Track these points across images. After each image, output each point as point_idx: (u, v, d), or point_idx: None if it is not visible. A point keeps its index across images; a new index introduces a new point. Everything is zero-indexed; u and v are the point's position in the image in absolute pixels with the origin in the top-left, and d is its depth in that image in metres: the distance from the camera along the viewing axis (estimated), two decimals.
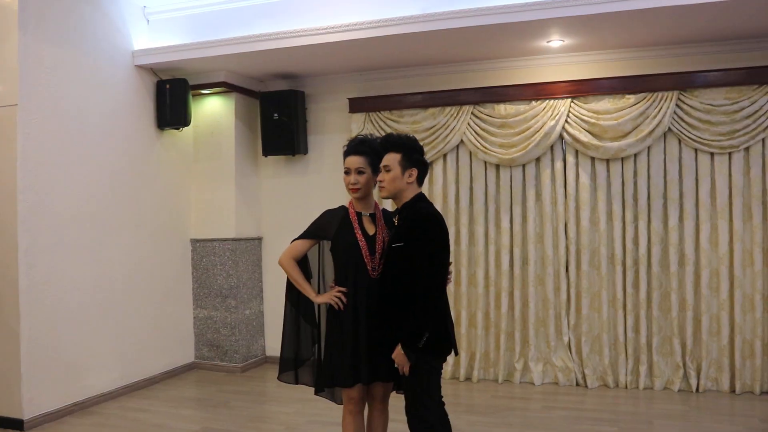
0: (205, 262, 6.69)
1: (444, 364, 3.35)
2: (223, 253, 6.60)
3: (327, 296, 3.26)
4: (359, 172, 3.28)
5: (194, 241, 6.75)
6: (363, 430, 3.45)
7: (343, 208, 3.36)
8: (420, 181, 3.22)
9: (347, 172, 3.28)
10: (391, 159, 3.17)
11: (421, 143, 3.51)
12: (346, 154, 3.31)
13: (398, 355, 3.09)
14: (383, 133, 5.91)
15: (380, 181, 3.18)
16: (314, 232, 3.36)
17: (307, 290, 3.32)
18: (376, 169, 3.28)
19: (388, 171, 3.17)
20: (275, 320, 6.81)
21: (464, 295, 6.17)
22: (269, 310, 6.97)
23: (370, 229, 3.30)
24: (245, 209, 6.79)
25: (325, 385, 3.35)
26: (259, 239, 7.02)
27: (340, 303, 3.22)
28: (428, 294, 3.00)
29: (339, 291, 3.22)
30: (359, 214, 3.32)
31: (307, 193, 6.73)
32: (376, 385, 3.40)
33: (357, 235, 3.25)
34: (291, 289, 3.42)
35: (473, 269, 6.19)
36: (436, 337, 3.07)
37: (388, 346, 3.14)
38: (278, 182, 6.95)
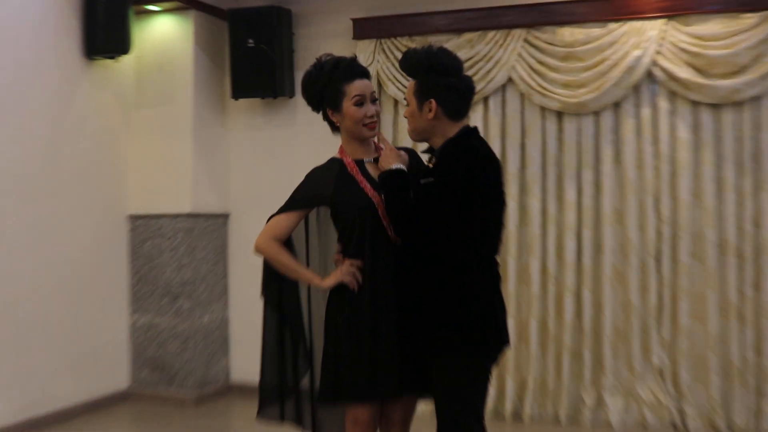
0: (149, 247, 6.42)
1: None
2: (174, 234, 6.34)
3: (337, 275, 3.20)
4: (374, 99, 3.27)
5: (133, 218, 6.47)
6: None
7: (334, 160, 3.32)
8: (452, 113, 3.12)
9: (361, 103, 3.21)
10: (408, 89, 3.19)
11: None
12: (349, 77, 3.24)
13: None
14: (397, 65, 5.64)
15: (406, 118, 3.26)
16: (302, 199, 3.31)
17: (307, 275, 3.31)
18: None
19: (407, 105, 3.20)
20: (245, 331, 6.63)
21: (512, 296, 5.91)
22: (237, 316, 6.73)
23: None
24: (206, 174, 6.52)
25: (327, 399, 3.27)
26: (225, 216, 6.71)
27: (355, 281, 3.16)
28: (466, 255, 3.01)
29: (352, 264, 3.17)
30: (360, 163, 3.28)
31: (293, 151, 6.42)
32: (396, 403, 3.31)
33: (365, 189, 3.20)
34: (270, 286, 3.41)
35: (525, 259, 5.97)
36: (479, 322, 3.04)
37: (411, 343, 3.13)
38: (253, 136, 6.64)
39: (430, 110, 3.10)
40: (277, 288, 3.42)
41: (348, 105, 3.22)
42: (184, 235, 6.33)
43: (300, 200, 3.32)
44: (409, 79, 3.23)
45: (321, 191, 3.28)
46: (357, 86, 3.23)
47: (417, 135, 3.22)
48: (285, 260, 3.31)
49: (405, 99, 3.24)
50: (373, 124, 3.25)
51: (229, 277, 6.75)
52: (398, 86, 6.04)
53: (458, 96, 3.12)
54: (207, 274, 6.51)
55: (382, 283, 3.22)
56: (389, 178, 3.12)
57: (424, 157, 3.33)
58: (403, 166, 3.16)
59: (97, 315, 6.20)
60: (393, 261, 3.23)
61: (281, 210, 3.32)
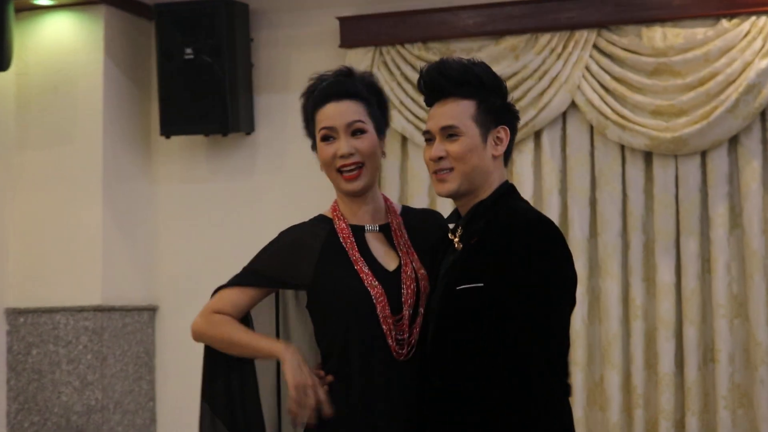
0: (38, 356, 5.70)
1: None
2: (76, 338, 5.65)
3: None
4: (356, 131, 2.73)
5: (14, 313, 5.74)
6: None
7: (323, 221, 2.81)
8: (509, 152, 2.78)
9: (329, 137, 2.74)
10: (458, 112, 2.61)
11: None
12: (320, 101, 2.74)
13: None
14: (407, 85, 5.59)
15: (439, 159, 2.60)
16: (265, 275, 2.81)
17: (266, 346, 2.80)
18: (381, 129, 2.79)
19: (453, 138, 2.60)
20: None
21: (581, 425, 5.19)
22: None
23: (387, 259, 2.74)
24: (123, 248, 5.87)
25: None
26: (151, 310, 5.97)
27: (310, 413, 2.68)
28: (532, 388, 2.45)
29: (320, 383, 2.69)
30: (359, 230, 2.76)
31: (252, 214, 5.78)
32: None
33: (361, 274, 2.68)
34: (214, 398, 2.81)
35: (598, 371, 5.33)
36: None
37: None
38: (193, 191, 5.97)
39: (498, 141, 2.65)
40: (226, 400, 2.89)
41: (318, 141, 2.84)
42: (91, 338, 5.66)
43: (262, 275, 2.81)
44: (425, 102, 2.77)
45: (295, 270, 2.76)
46: (326, 113, 2.74)
47: (470, 183, 2.66)
48: (233, 332, 2.82)
49: (448, 128, 2.61)
50: (353, 173, 2.70)
51: (158, 400, 5.93)
52: (407, 116, 5.35)
53: (516, 129, 2.81)
54: (125, 395, 5.79)
55: (379, 418, 2.70)
56: None
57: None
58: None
59: None
60: (395, 385, 2.68)
61: (233, 282, 2.84)
